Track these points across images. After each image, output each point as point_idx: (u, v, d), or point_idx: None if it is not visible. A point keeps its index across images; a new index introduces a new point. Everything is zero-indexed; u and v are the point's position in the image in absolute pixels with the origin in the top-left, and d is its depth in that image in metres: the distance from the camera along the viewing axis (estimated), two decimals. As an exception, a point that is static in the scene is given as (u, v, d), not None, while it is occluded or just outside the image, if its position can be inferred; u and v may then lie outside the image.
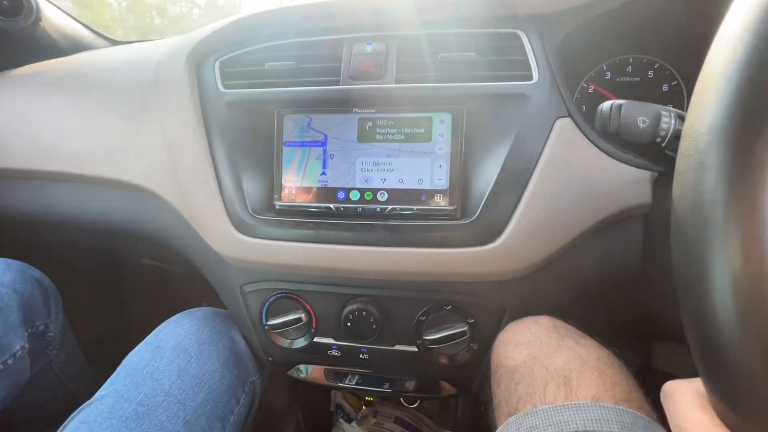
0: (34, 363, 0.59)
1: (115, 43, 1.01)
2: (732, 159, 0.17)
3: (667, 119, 0.30)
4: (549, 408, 0.32)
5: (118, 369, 0.47)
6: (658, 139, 0.30)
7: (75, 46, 0.90)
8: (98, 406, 0.41)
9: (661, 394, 0.25)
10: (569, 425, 0.30)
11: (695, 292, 0.19)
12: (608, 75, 0.56)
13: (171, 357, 0.47)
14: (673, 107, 0.36)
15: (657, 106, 0.29)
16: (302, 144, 0.49)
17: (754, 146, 0.17)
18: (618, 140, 0.29)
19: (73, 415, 0.42)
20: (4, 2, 0.76)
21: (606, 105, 0.29)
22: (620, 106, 0.28)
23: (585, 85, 0.57)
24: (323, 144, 0.48)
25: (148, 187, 0.54)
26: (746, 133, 0.17)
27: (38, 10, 0.78)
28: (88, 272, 0.87)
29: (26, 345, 0.56)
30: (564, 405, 0.31)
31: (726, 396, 0.19)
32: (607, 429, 0.29)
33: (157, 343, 0.49)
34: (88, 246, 0.77)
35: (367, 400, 0.69)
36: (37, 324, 0.60)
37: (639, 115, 0.28)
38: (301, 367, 0.56)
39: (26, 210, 0.66)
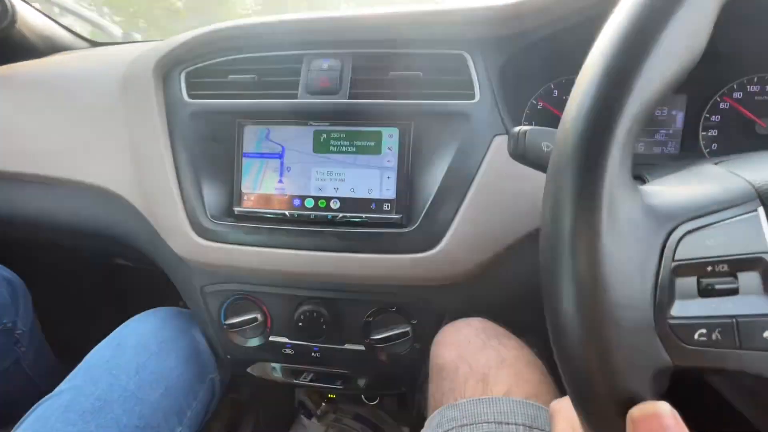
0: (1, 360, 0.61)
1: (93, 44, 1.03)
2: (576, 203, 0.21)
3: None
4: (467, 401, 0.35)
5: (79, 366, 0.49)
6: None
7: (52, 47, 0.91)
8: (56, 401, 0.44)
9: (549, 413, 0.28)
10: (481, 417, 0.33)
11: (551, 303, 0.22)
12: (556, 93, 0.60)
13: (131, 354, 0.49)
14: None
15: None
16: (261, 156, 0.52)
17: (595, 188, 0.20)
18: (526, 161, 0.32)
19: (31, 410, 0.44)
20: (-21, 5, 0.77)
21: (515, 129, 0.32)
22: (526, 131, 0.32)
23: (534, 102, 0.61)
24: (280, 156, 0.51)
25: (113, 190, 0.57)
26: (588, 178, 0.21)
27: (14, 13, 0.79)
28: (59, 271, 0.88)
29: None
30: (480, 399, 0.35)
31: (580, 411, 0.22)
32: (512, 420, 0.32)
33: (119, 341, 0.51)
34: (59, 245, 0.78)
35: (329, 397, 0.72)
36: (4, 322, 0.62)
37: (543, 140, 0.32)
38: (260, 365, 0.59)
39: None
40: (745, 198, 0.22)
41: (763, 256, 0.21)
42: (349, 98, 0.50)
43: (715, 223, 0.21)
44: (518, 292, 0.49)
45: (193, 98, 0.54)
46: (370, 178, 0.49)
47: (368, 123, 0.50)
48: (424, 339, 0.50)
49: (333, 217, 0.49)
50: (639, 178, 0.40)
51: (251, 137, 0.52)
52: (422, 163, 0.49)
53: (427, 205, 0.46)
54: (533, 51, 0.52)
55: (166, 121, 0.53)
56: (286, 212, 0.50)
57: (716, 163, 0.29)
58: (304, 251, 0.48)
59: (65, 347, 0.75)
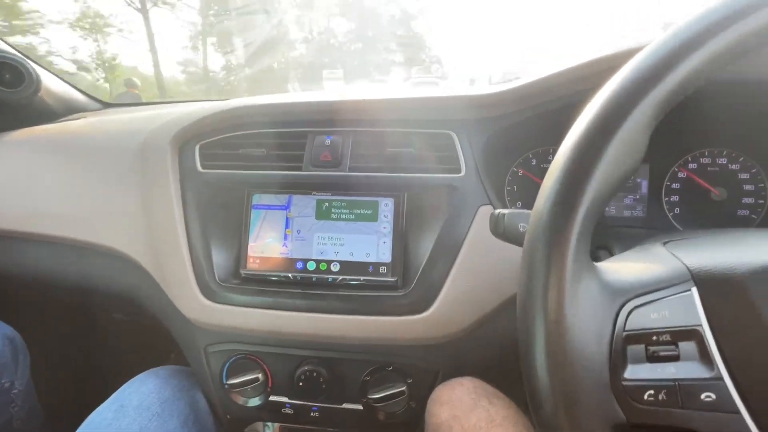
0: (-6, 420, 0.61)
1: (105, 104, 1.10)
2: (544, 284, 0.25)
3: None
4: None
5: (81, 427, 0.50)
6: None
7: (68, 109, 0.98)
8: (59, 466, 0.44)
9: None
10: None
11: (525, 364, 0.26)
12: (534, 162, 0.67)
13: (133, 416, 0.50)
14: None
15: None
16: (269, 207, 0.56)
17: (559, 272, 0.25)
18: (506, 239, 0.37)
19: None
20: (7, 75, 0.84)
21: (495, 212, 0.38)
22: (504, 215, 0.37)
23: (515, 170, 0.68)
24: (286, 207, 0.56)
25: (124, 252, 0.60)
26: (553, 265, 0.25)
27: (38, 81, 0.86)
28: (58, 326, 0.89)
29: None
30: None
31: None
32: None
33: (121, 402, 0.52)
34: (61, 301, 0.80)
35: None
36: (2, 381, 0.62)
37: (519, 221, 0.37)
38: (258, 425, 0.60)
39: (6, 268, 0.70)
40: (682, 278, 0.26)
41: (698, 328, 0.25)
42: (349, 171, 0.56)
43: (658, 299, 0.26)
44: (505, 351, 0.52)
45: (206, 168, 0.59)
46: (368, 243, 0.54)
47: (366, 193, 0.55)
48: (419, 398, 0.52)
49: (333, 279, 0.53)
50: (606, 249, 0.46)
51: (259, 200, 0.57)
52: (415, 230, 0.54)
53: (420, 269, 0.51)
54: (512, 130, 0.59)
55: (180, 188, 0.58)
56: (290, 274, 0.54)
57: (665, 243, 0.34)
58: (305, 313, 0.51)
59: (57, 405, 0.74)
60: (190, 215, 0.57)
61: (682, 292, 0.26)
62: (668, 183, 0.64)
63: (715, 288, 0.26)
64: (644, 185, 0.66)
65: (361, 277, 0.53)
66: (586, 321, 0.25)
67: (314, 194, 0.56)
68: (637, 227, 0.66)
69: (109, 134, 0.72)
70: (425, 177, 0.54)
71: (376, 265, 0.53)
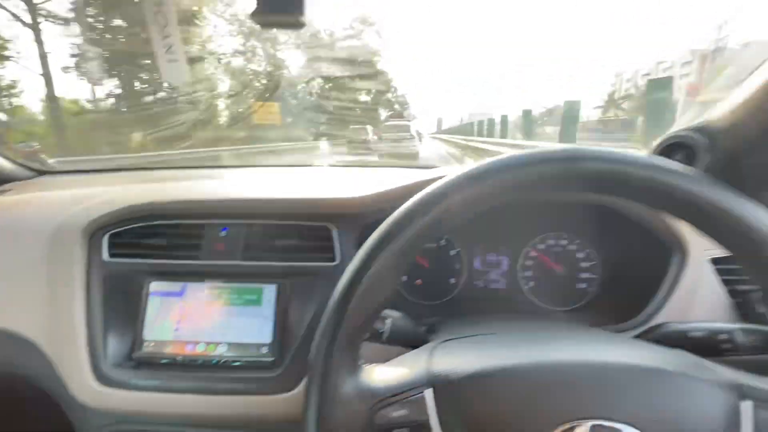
0: None
1: (40, 172, 1.13)
2: (315, 382, 0.34)
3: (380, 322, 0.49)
4: None
5: None
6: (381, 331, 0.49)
7: (-4, 180, 1.01)
8: None
9: None
10: None
11: None
12: None
13: None
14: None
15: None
16: (165, 294, 0.63)
17: (324, 376, 0.34)
18: None
19: None
20: (-69, 156, 0.87)
21: None
22: None
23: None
24: (180, 294, 0.62)
25: (24, 334, 0.64)
26: (320, 372, 0.34)
27: (-36, 160, 0.90)
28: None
29: None
30: None
31: None
32: None
33: None
34: None
35: None
36: None
37: None
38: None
39: None
40: (421, 382, 0.36)
41: (428, 422, 0.34)
42: (241, 260, 0.64)
43: (401, 400, 0.35)
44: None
45: (112, 257, 0.65)
46: (252, 326, 0.61)
47: (254, 280, 0.63)
48: (292, 471, 0.57)
49: (218, 360, 0.59)
50: (432, 332, 0.55)
51: (157, 287, 0.63)
52: (297, 313, 0.62)
53: (292, 351, 0.58)
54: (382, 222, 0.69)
55: (84, 277, 0.64)
56: (178, 357, 0.60)
57: (444, 341, 0.43)
58: (190, 395, 0.56)
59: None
60: (92, 302, 0.62)
61: (418, 394, 0.35)
62: (522, 261, 0.77)
63: (443, 389, 0.35)
64: (505, 262, 0.78)
65: (244, 358, 0.59)
66: (345, 416, 0.34)
67: (207, 281, 0.63)
68: (501, 299, 0.77)
69: (24, 217, 0.76)
70: (305, 265, 0.63)
71: (259, 346, 0.60)
